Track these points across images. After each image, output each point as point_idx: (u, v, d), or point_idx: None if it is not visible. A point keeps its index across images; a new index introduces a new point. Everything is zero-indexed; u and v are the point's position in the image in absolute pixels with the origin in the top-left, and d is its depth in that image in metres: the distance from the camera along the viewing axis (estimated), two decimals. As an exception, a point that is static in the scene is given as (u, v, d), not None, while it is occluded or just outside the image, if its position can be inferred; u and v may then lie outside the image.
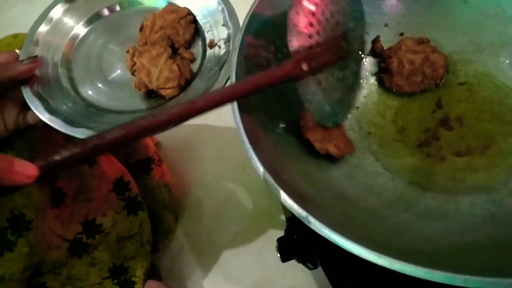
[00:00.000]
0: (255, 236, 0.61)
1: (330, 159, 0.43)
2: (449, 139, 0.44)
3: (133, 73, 0.47)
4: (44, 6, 0.52)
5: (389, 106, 0.47)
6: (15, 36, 0.53)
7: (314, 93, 0.39)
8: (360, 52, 0.47)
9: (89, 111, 0.47)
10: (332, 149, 0.41)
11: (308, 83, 0.39)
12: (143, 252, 0.59)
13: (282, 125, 0.43)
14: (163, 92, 0.45)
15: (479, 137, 0.43)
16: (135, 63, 0.46)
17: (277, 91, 0.39)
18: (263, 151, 0.36)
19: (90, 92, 0.49)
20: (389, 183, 0.42)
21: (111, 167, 0.58)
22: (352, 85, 0.46)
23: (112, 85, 0.50)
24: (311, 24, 0.38)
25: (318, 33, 0.38)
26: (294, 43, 0.37)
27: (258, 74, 0.38)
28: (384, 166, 0.43)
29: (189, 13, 0.50)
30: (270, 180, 0.33)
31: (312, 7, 0.38)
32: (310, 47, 0.38)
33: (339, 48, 0.41)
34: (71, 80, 0.50)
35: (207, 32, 0.51)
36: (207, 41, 0.50)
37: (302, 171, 0.40)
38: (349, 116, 0.47)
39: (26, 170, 0.30)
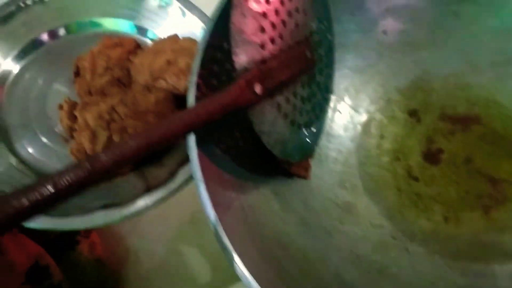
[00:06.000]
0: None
1: (329, 233, 0.32)
2: (459, 189, 0.35)
3: (70, 137, 0.34)
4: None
5: (384, 149, 0.38)
6: None
7: (273, 123, 0.29)
8: (327, 59, 0.36)
9: (28, 180, 0.34)
10: None
11: (264, 109, 0.28)
12: None
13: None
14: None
15: (496, 183, 0.35)
16: (74, 121, 0.33)
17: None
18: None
19: (31, 150, 0.36)
20: (405, 258, 0.32)
21: (22, 252, 0.43)
22: (321, 103, 0.36)
23: (62, 140, 0.37)
24: (262, 29, 0.27)
25: (272, 40, 0.28)
26: (242, 58, 0.27)
27: (192, 107, 0.27)
28: (393, 234, 0.34)
29: (137, 44, 0.38)
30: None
31: (263, 6, 0.27)
32: (263, 61, 0.27)
33: (301, 58, 0.31)
34: (3, 133, 0.36)
35: None
36: None
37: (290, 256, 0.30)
38: (339, 170, 0.37)
39: None
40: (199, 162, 0.26)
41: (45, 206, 0.20)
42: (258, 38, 0.27)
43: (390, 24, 0.39)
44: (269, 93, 0.28)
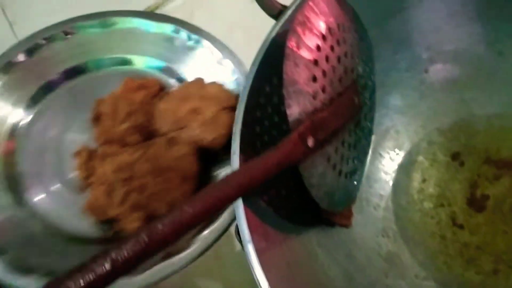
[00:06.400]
0: None
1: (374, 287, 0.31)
2: (507, 239, 0.34)
3: (86, 187, 0.32)
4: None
5: (426, 194, 0.36)
6: None
7: (322, 175, 0.28)
8: (371, 101, 0.35)
9: (31, 235, 0.31)
10: None
11: (315, 162, 0.27)
12: None
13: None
14: (125, 224, 0.29)
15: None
16: (91, 173, 0.31)
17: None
18: None
19: (43, 200, 0.33)
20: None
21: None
22: (365, 147, 0.35)
23: (75, 188, 0.33)
24: (314, 78, 0.26)
25: (323, 89, 0.27)
26: (294, 109, 0.25)
27: (245, 167, 0.25)
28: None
29: (162, 87, 0.35)
30: None
31: (314, 53, 0.26)
32: (315, 111, 0.26)
33: (350, 105, 0.30)
34: (12, 180, 0.33)
35: None
36: None
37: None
38: (381, 217, 0.35)
39: None
40: (246, 220, 0.25)
41: (101, 285, 0.18)
42: (310, 88, 0.26)
43: (432, 62, 0.38)
44: (320, 146, 0.27)
